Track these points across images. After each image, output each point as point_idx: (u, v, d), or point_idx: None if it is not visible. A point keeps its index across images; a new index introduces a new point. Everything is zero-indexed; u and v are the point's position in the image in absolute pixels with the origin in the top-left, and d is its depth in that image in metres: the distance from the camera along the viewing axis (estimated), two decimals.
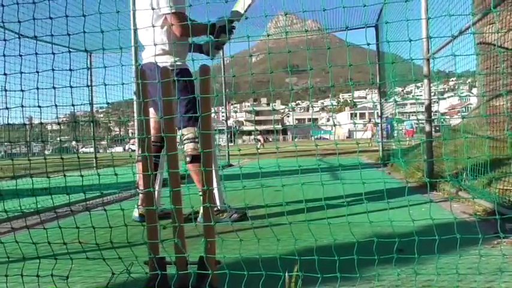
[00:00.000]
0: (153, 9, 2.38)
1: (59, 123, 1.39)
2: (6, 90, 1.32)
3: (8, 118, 1.29)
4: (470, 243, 1.67)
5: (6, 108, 1.30)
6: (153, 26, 2.41)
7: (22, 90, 1.26)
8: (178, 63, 2.49)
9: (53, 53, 1.27)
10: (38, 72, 1.25)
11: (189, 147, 2.50)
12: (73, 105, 1.28)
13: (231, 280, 1.22)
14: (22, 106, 1.27)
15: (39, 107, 1.28)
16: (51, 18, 1.22)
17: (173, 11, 2.37)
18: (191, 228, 2.29)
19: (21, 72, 1.25)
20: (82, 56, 7.02)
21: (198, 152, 2.39)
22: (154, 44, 2.45)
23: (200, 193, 2.54)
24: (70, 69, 1.26)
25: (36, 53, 1.25)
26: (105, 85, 1.26)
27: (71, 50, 1.36)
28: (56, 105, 1.26)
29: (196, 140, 2.47)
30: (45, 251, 1.54)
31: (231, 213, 2.56)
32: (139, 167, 2.63)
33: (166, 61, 2.46)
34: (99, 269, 1.64)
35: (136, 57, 4.14)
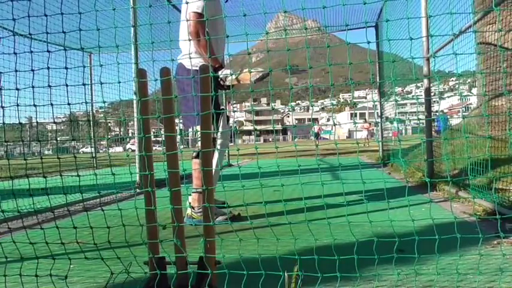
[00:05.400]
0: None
1: (55, 123, 1.38)
2: (1, 89, 1.31)
3: (3, 117, 1.28)
4: (471, 243, 1.67)
5: (2, 107, 1.29)
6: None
7: (17, 89, 1.25)
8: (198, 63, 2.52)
9: (48, 51, 1.26)
10: (33, 70, 1.24)
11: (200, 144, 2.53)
12: (69, 104, 1.27)
13: (230, 280, 1.21)
14: (17, 105, 1.26)
15: (34, 105, 1.27)
16: (46, 15, 1.21)
17: (195, 10, 2.39)
18: (191, 228, 2.29)
19: (16, 71, 1.24)
20: (83, 56, 6.99)
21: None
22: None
23: (193, 191, 2.55)
24: (66, 68, 1.26)
25: (31, 51, 1.25)
26: (101, 83, 1.25)
27: (66, 48, 1.35)
28: (51, 104, 1.26)
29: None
30: (44, 251, 1.53)
31: (217, 215, 2.54)
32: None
33: (190, 62, 2.50)
34: (98, 269, 1.63)
35: (137, 56, 4.13)
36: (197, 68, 2.48)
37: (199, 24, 2.39)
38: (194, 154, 2.58)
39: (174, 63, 2.58)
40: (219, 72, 2.48)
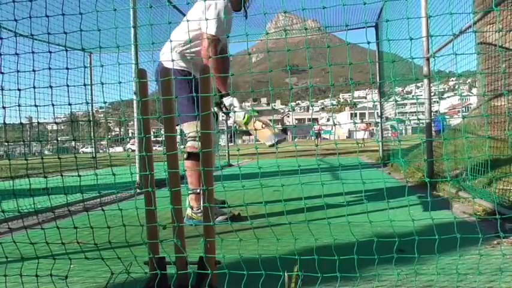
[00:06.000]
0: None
1: (56, 123, 1.39)
2: (2, 89, 1.31)
3: (4, 117, 1.29)
4: (471, 243, 1.67)
5: (3, 107, 1.29)
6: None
7: (19, 90, 1.26)
8: (183, 65, 2.52)
9: (50, 52, 1.27)
10: (34, 70, 1.25)
11: (188, 145, 2.53)
12: (70, 104, 1.28)
13: (230, 280, 1.21)
14: (19, 105, 1.27)
15: (35, 106, 1.27)
16: (47, 16, 1.21)
17: (213, 33, 2.39)
18: (191, 228, 2.29)
19: (17, 71, 1.24)
20: (84, 56, 6.99)
21: (196, 150, 2.42)
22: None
23: (190, 192, 2.55)
24: (67, 68, 1.26)
25: (32, 52, 1.25)
26: (102, 84, 1.25)
27: (67, 49, 1.36)
28: (52, 104, 1.26)
29: (197, 138, 2.49)
30: (44, 251, 1.54)
31: (217, 215, 2.53)
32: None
33: (191, 64, 2.53)
34: (98, 269, 1.64)
35: (137, 56, 4.13)
36: (178, 68, 2.50)
37: (214, 47, 2.39)
38: (185, 156, 2.57)
39: (174, 63, 2.58)
40: (224, 99, 2.51)
